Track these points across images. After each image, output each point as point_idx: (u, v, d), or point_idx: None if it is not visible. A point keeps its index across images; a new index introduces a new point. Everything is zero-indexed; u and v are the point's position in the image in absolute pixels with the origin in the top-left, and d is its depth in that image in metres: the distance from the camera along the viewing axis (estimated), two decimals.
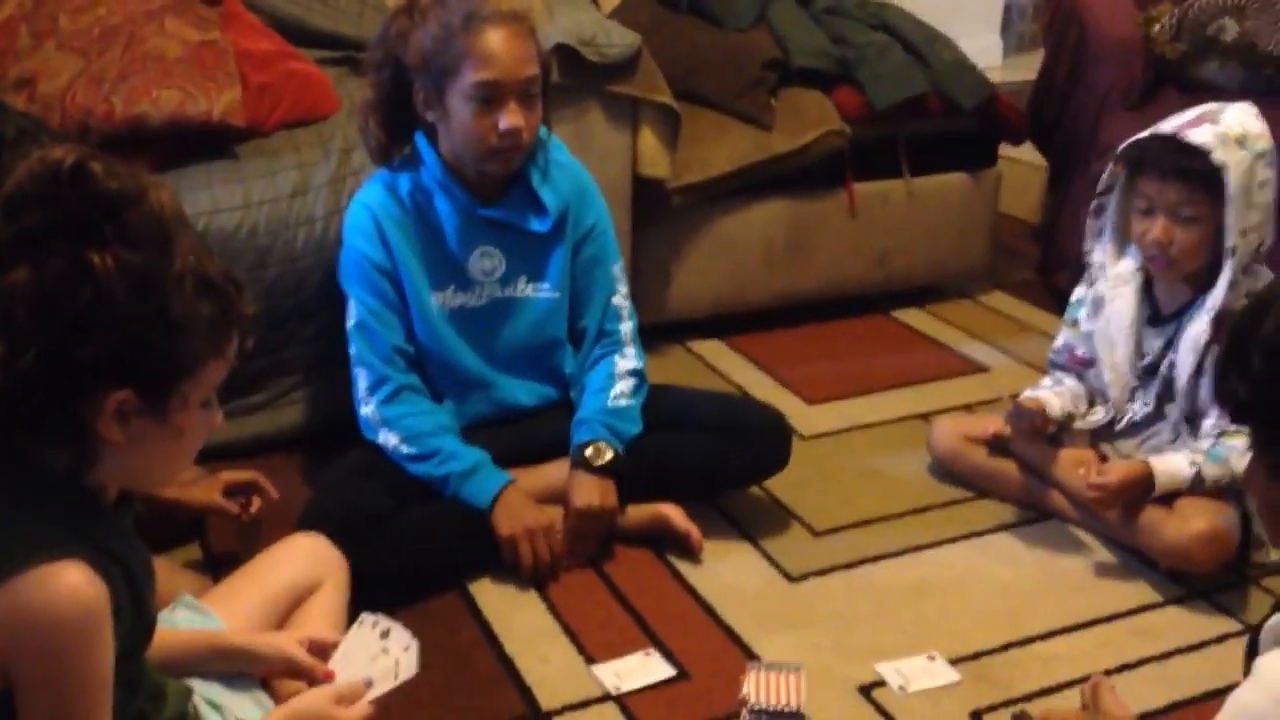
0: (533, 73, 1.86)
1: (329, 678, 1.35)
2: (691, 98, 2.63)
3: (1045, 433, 2.09)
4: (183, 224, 1.09)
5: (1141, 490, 1.95)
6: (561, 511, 1.94)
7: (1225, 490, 1.94)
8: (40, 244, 1.01)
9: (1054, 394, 2.11)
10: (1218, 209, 1.90)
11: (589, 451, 1.94)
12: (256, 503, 1.90)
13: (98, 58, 2.25)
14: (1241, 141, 1.89)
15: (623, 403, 2.00)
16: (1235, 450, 1.92)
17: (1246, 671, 1.09)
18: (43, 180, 1.03)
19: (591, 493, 1.92)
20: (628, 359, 2.04)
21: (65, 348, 1.02)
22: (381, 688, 1.34)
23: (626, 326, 2.07)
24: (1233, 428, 1.91)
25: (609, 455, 1.94)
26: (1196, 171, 1.90)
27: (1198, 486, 1.94)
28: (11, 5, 2.35)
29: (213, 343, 1.09)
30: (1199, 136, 1.89)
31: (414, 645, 1.37)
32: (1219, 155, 1.87)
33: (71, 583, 1.03)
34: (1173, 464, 1.95)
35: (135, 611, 1.11)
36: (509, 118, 1.84)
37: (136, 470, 1.13)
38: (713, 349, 2.74)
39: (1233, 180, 1.87)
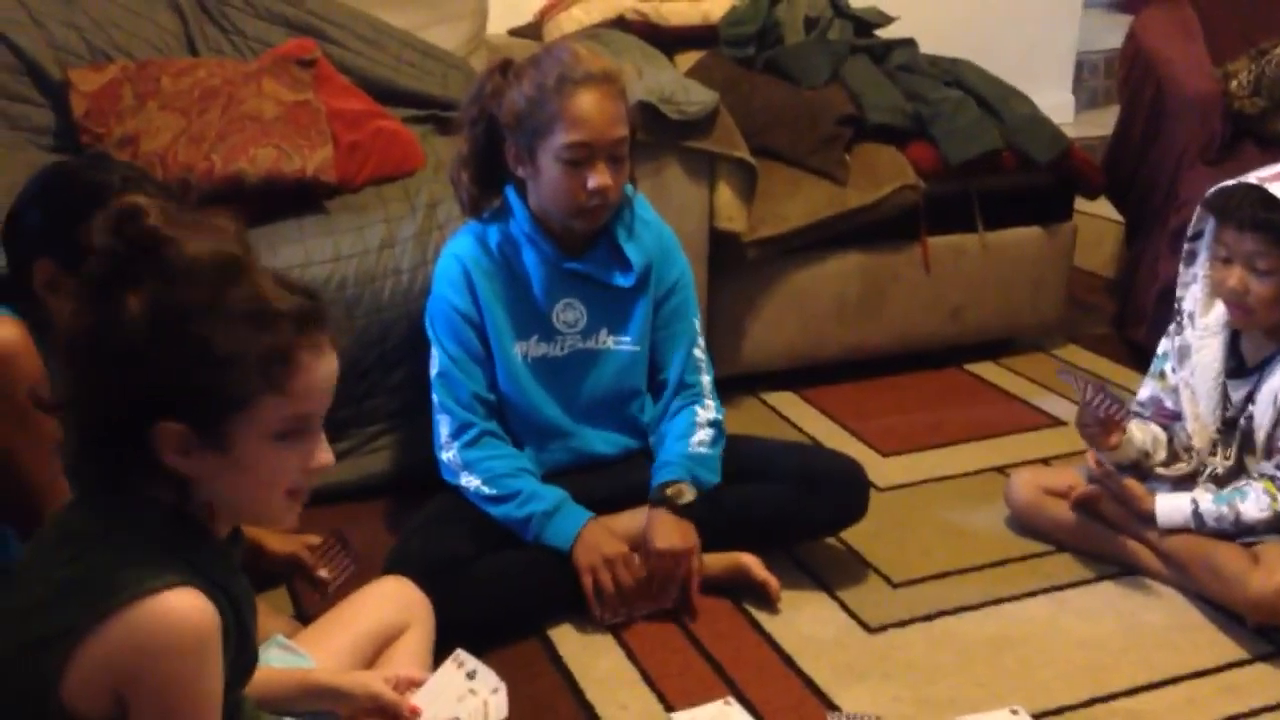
0: (622, 134, 1.90)
1: (415, 714, 1.38)
2: (767, 153, 2.67)
3: (1115, 435, 2.04)
4: (231, 260, 1.10)
5: (1134, 506, 2.04)
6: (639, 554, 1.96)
7: None
8: (98, 288, 1.07)
9: (1136, 425, 2.10)
10: None
11: (670, 491, 1.96)
12: (332, 571, 1.87)
13: (198, 117, 2.34)
14: None
15: (704, 450, 2.02)
16: (1251, 497, 1.92)
17: None
18: (103, 229, 1.08)
19: (672, 533, 1.94)
20: (708, 410, 2.06)
21: (113, 384, 1.07)
22: None
23: (706, 379, 2.10)
24: (1268, 477, 1.91)
25: (690, 496, 1.96)
26: (1274, 224, 1.90)
27: (1200, 525, 1.99)
28: (116, 68, 2.47)
29: (263, 378, 1.10)
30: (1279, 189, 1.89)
31: (502, 688, 1.40)
32: None
33: (186, 607, 1.07)
34: (1175, 499, 2.02)
35: (240, 643, 1.15)
36: (598, 178, 1.88)
37: (227, 504, 1.16)
38: (786, 400, 2.75)
39: None
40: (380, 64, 2.78)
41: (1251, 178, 1.95)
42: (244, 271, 1.11)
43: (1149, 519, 2.03)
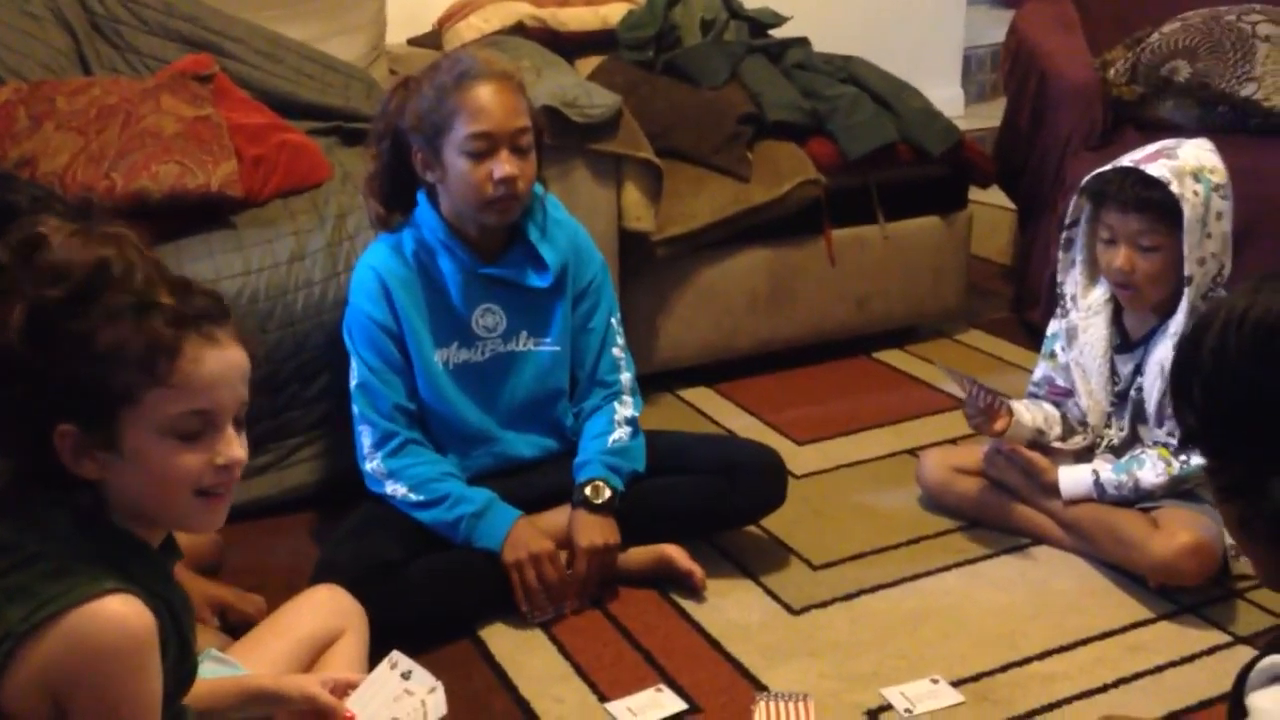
0: (523, 124, 1.94)
1: (351, 718, 1.38)
2: (671, 153, 2.72)
3: (999, 421, 2.13)
4: (107, 261, 1.11)
5: (1040, 479, 2.13)
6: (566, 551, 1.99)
7: (1206, 502, 2.02)
8: None
9: (1025, 407, 2.19)
10: (1176, 238, 1.99)
11: (588, 490, 1.99)
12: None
13: (96, 136, 2.31)
14: (1197, 175, 1.98)
15: (624, 443, 2.06)
16: (1147, 465, 2.03)
17: (1234, 711, 1.06)
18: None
19: (593, 531, 1.98)
20: (626, 407, 2.10)
21: (5, 395, 1.08)
22: None
23: (625, 377, 2.13)
24: (1172, 443, 2.01)
25: (607, 493, 2.00)
26: (1155, 202, 1.99)
27: (1102, 494, 2.08)
28: (8, 90, 2.42)
29: (148, 371, 1.10)
30: (1157, 170, 1.99)
31: (439, 687, 1.41)
32: (1175, 187, 1.96)
33: (123, 613, 1.08)
34: (1076, 471, 2.11)
35: (180, 652, 1.16)
36: (503, 167, 1.91)
37: (139, 508, 1.16)
38: (701, 395, 2.80)
39: (1188, 211, 1.96)
40: (280, 77, 2.76)
41: (1125, 161, 2.05)
42: (125, 268, 1.11)
43: (1053, 490, 2.12)
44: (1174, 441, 2.04)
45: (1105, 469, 2.09)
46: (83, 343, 1.08)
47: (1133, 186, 2.01)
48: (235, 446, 1.17)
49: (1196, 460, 2.00)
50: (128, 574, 1.11)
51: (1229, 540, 2.01)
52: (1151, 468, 2.04)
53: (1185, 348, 1.10)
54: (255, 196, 2.39)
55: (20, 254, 1.10)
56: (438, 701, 1.40)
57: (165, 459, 1.13)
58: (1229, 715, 1.05)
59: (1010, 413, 2.15)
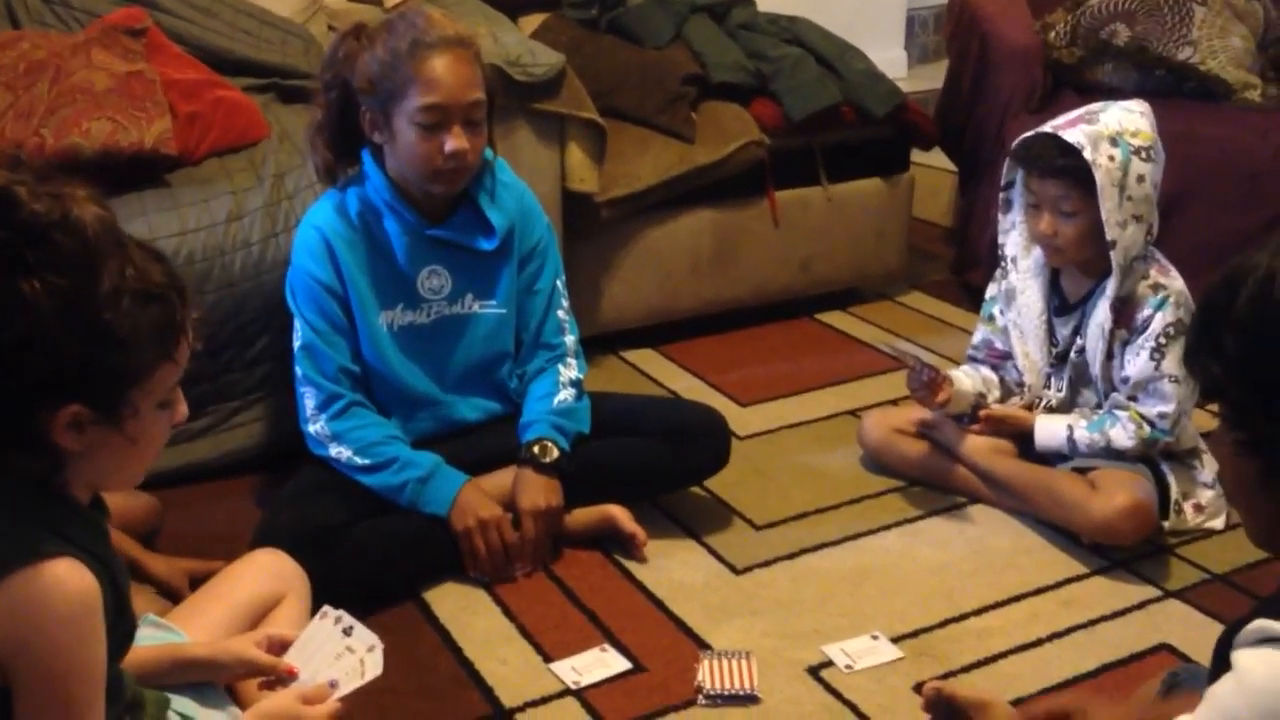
0: (477, 97, 1.91)
1: (291, 674, 1.37)
2: (615, 114, 2.70)
3: (942, 394, 2.16)
4: (113, 238, 1.10)
5: (1020, 433, 2.16)
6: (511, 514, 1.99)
7: (1139, 463, 2.07)
8: None
9: (964, 374, 2.22)
10: (1095, 203, 2.00)
11: (536, 449, 1.99)
12: None
13: (25, 92, 2.25)
14: (1115, 139, 2.00)
15: (569, 404, 2.05)
16: (1119, 426, 2.05)
17: (1215, 666, 1.06)
18: None
19: (537, 493, 1.98)
20: (570, 369, 2.10)
21: (8, 372, 1.05)
22: (347, 687, 1.37)
23: (570, 339, 2.12)
24: (1131, 405, 2.05)
25: (555, 453, 2.00)
26: (1070, 169, 2.01)
27: (1074, 450, 2.10)
28: None
29: (159, 350, 1.12)
30: (1072, 136, 2.01)
31: (379, 646, 1.41)
32: (1089, 154, 1.98)
33: (64, 577, 1.07)
34: (1053, 423, 2.13)
35: (118, 614, 1.14)
36: (454, 141, 1.88)
37: (102, 474, 1.17)
38: (646, 357, 2.81)
39: (1102, 177, 1.98)
40: (215, 32, 2.70)
41: (1047, 127, 2.07)
42: (125, 248, 1.11)
43: (1028, 438, 2.15)
44: (1120, 404, 2.07)
45: (1080, 425, 2.10)
46: (105, 328, 1.07)
47: (1050, 152, 2.04)
48: (184, 404, 1.21)
49: (1166, 426, 2.04)
50: (67, 537, 1.10)
51: (1176, 495, 2.06)
52: (1124, 429, 2.06)
53: (1215, 298, 1.06)
54: (190, 155, 2.34)
55: (18, 229, 1.05)
56: (376, 660, 1.39)
57: (157, 429, 1.17)
58: (1210, 673, 1.06)
59: (951, 384, 2.17)
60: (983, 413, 2.20)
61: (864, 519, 2.17)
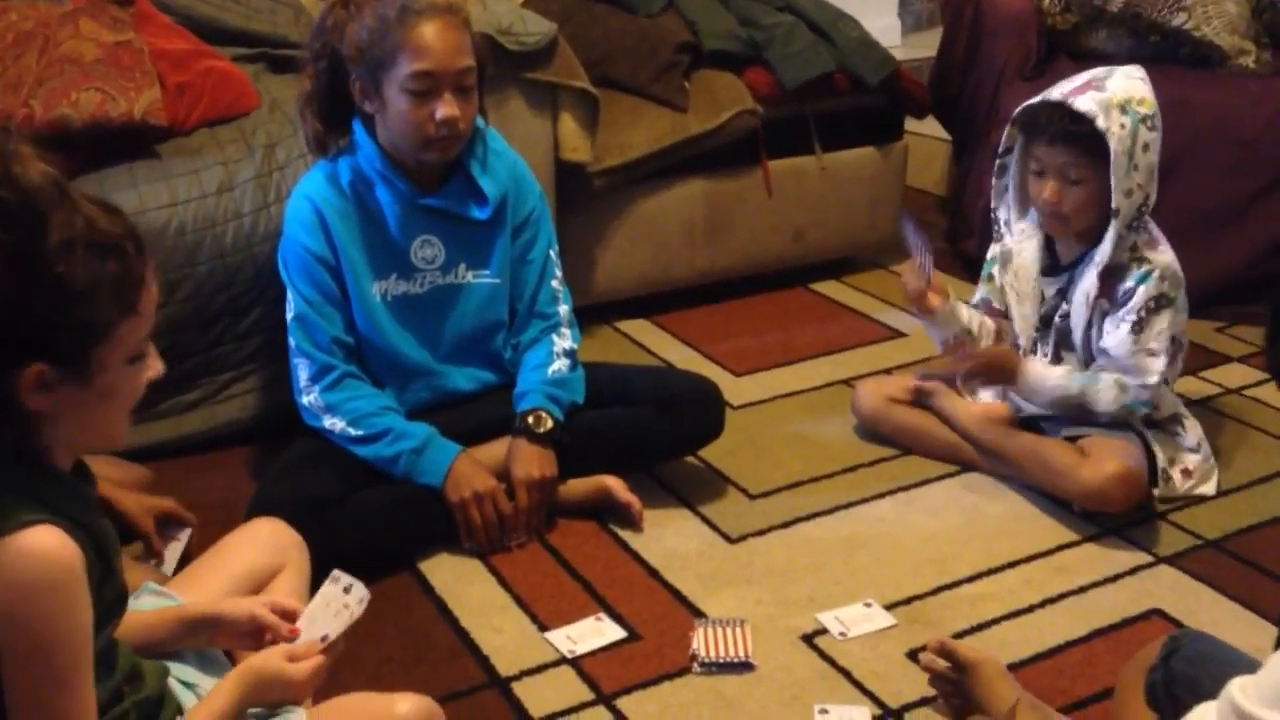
0: (467, 64, 1.90)
1: (294, 634, 1.37)
2: (608, 83, 2.69)
3: (936, 295, 2.17)
4: (59, 190, 1.09)
5: (1004, 369, 2.12)
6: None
7: (1130, 431, 2.07)
8: None
9: (965, 308, 2.23)
10: (1103, 170, 2.01)
11: (530, 419, 2.00)
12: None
13: (13, 63, 2.23)
14: (1124, 107, 2.00)
15: (564, 374, 2.05)
16: (1102, 388, 2.05)
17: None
18: None
19: (530, 463, 1.98)
20: (564, 339, 2.09)
21: None
22: (335, 634, 1.37)
23: (564, 309, 2.12)
24: (1113, 371, 2.05)
25: (550, 423, 2.00)
26: (1082, 136, 2.01)
27: (1051, 399, 2.10)
28: None
29: (120, 302, 1.11)
30: (1084, 104, 2.00)
31: (367, 597, 1.41)
32: (1102, 121, 1.98)
33: (44, 544, 1.06)
34: (1044, 368, 2.11)
35: (105, 578, 1.14)
36: (445, 108, 1.87)
37: (79, 435, 1.16)
38: (640, 328, 2.80)
39: (1115, 145, 1.98)
40: (204, 2, 2.68)
41: (1054, 94, 2.06)
42: (74, 201, 1.10)
43: (1014, 378, 2.14)
44: (1104, 369, 2.08)
45: (1069, 377, 2.09)
46: (59, 282, 1.06)
47: (1060, 120, 2.03)
48: (159, 360, 1.20)
49: (1145, 397, 2.04)
50: (47, 504, 1.10)
51: (1162, 462, 2.07)
52: (1107, 392, 2.06)
53: None
54: (180, 125, 2.33)
55: None
56: (359, 607, 1.39)
57: (127, 384, 1.16)
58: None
59: (948, 296, 2.17)
60: (965, 352, 2.18)
61: (858, 487, 2.18)
